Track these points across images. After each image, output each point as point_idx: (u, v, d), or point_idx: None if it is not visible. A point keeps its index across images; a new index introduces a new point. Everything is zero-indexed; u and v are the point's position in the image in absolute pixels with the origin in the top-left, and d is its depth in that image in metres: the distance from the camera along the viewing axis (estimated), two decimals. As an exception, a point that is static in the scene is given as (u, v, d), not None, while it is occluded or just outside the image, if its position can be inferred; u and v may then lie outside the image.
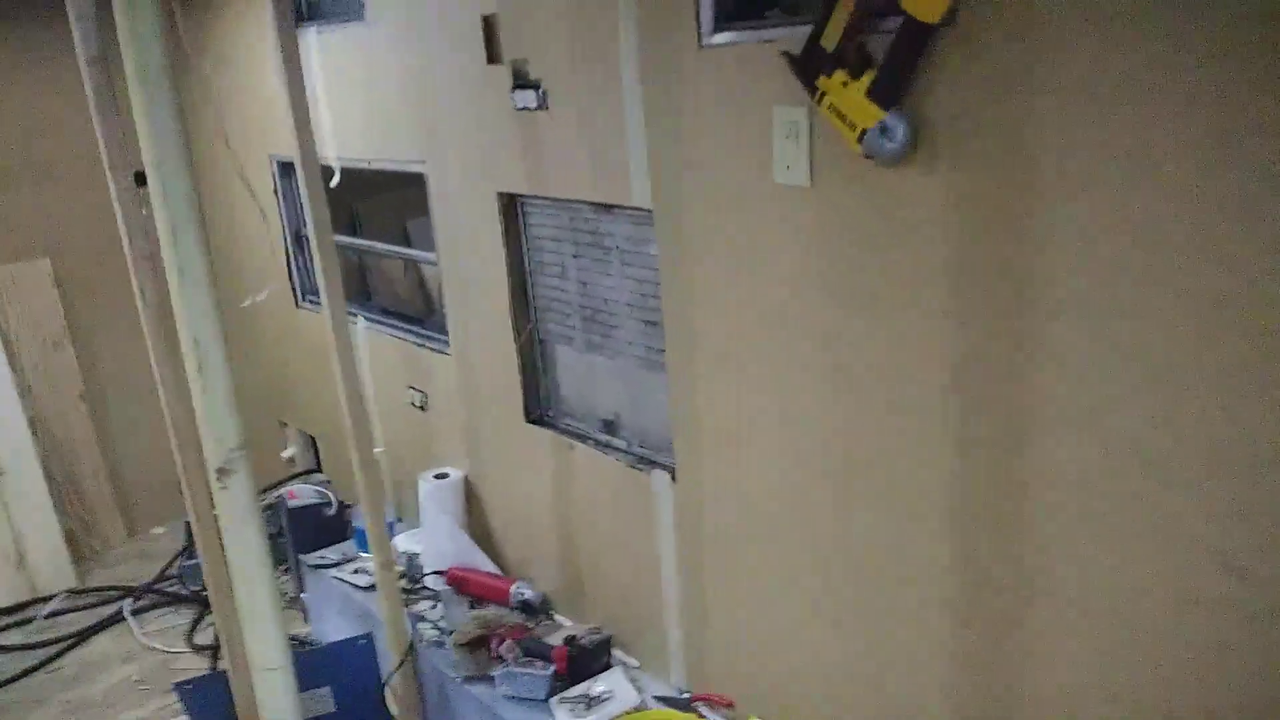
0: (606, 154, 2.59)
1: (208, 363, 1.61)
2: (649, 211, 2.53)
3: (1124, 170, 1.59)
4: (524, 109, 2.78)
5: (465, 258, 3.31)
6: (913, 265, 1.94)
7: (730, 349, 2.39)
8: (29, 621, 4.42)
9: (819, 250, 2.12)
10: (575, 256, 2.92)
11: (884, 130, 1.86)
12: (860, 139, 1.90)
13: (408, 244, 3.93)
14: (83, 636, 4.26)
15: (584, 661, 2.90)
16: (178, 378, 2.72)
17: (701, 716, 2.69)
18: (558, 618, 3.29)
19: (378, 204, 4.11)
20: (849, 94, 1.90)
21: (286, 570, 4.39)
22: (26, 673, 4.05)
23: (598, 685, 2.84)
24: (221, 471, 1.66)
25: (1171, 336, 1.59)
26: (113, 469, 5.06)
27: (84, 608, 4.50)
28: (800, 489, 2.32)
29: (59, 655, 4.16)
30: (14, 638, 4.31)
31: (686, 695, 2.82)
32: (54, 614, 4.46)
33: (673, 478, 2.68)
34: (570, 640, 2.94)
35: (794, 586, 2.42)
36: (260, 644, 1.77)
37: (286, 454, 5.09)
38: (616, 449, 2.95)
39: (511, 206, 3.06)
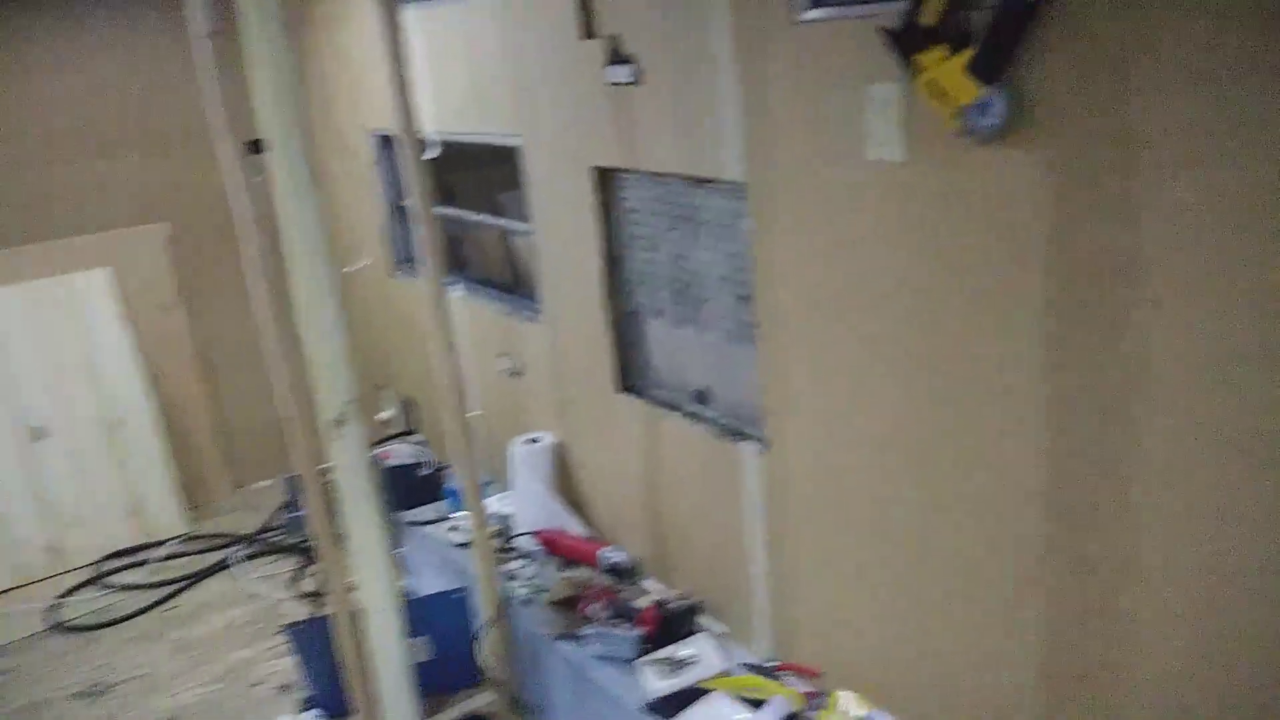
0: (699, 129, 2.62)
1: (324, 319, 1.73)
2: (742, 186, 2.56)
3: (1229, 151, 1.57)
4: (617, 84, 2.83)
5: (559, 230, 3.39)
6: (1007, 245, 1.95)
7: (820, 324, 2.42)
8: (144, 564, 4.71)
9: (911, 227, 2.13)
10: (668, 230, 2.97)
11: (982, 106, 1.86)
12: (957, 115, 1.91)
13: (500, 216, 4.03)
14: (194, 580, 4.53)
15: (671, 626, 2.98)
16: (286, 338, 2.87)
17: (788, 686, 2.74)
18: (645, 583, 3.37)
19: (472, 177, 4.22)
20: (947, 69, 1.91)
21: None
22: (142, 611, 4.33)
23: (684, 649, 2.92)
24: (336, 422, 1.79)
25: (1271, 321, 1.58)
26: (221, 426, 5.33)
27: (195, 553, 4.78)
28: (890, 466, 2.34)
29: (172, 596, 4.43)
30: (131, 578, 4.61)
31: (773, 664, 2.86)
32: (169, 557, 4.75)
33: (762, 449, 2.73)
34: (658, 604, 3.02)
35: (882, 562, 2.45)
36: (372, 586, 1.90)
37: (383, 416, 5.28)
38: (706, 420, 3.00)
39: (605, 180, 3.12)
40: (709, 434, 2.93)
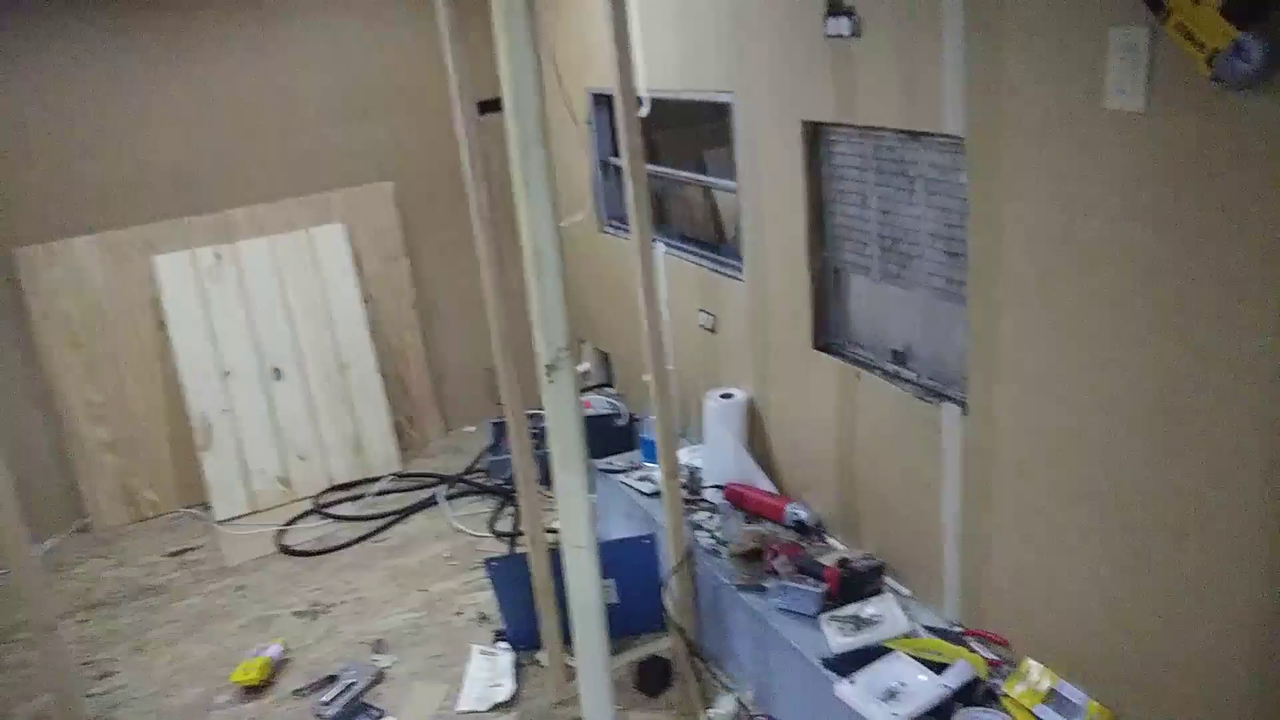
0: (919, 81, 2.55)
1: (545, 269, 1.80)
2: (959, 140, 2.48)
3: None
4: (835, 36, 2.79)
5: (765, 186, 3.38)
6: (1255, 201, 1.80)
7: (1039, 283, 2.32)
8: (361, 497, 5.09)
9: (1148, 180, 2.00)
10: (877, 185, 2.92)
11: (1238, 51, 1.72)
12: (1210, 61, 1.77)
13: (704, 173, 4.07)
14: (404, 514, 4.85)
15: (855, 584, 2.96)
16: (503, 288, 3.02)
17: (973, 651, 2.68)
18: (830, 540, 3.36)
19: (676, 135, 4.27)
20: (1200, 12, 1.77)
21: (577, 475, 4.75)
22: (358, 540, 4.67)
23: (868, 608, 2.90)
24: (550, 368, 1.86)
25: None
26: (434, 372, 5.67)
27: (406, 490, 5.12)
28: (1106, 433, 2.22)
29: (384, 528, 4.76)
30: (349, 510, 4.99)
31: (958, 629, 2.81)
32: (382, 493, 5.10)
33: (963, 411, 2.65)
34: (843, 562, 3.00)
35: (1090, 532, 2.33)
36: (572, 523, 1.98)
37: (581, 368, 5.47)
38: (904, 380, 2.94)
39: (815, 135, 3.09)
40: (907, 394, 2.87)
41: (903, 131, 2.73)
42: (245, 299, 5.09)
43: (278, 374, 5.13)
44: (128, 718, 3.59)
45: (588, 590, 2.04)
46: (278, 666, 3.73)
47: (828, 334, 3.28)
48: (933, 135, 2.62)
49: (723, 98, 3.52)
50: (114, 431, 5.04)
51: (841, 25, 2.76)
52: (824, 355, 3.25)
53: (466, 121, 2.83)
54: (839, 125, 2.98)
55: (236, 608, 4.24)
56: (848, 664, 2.71)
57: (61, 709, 2.94)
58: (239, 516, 5.02)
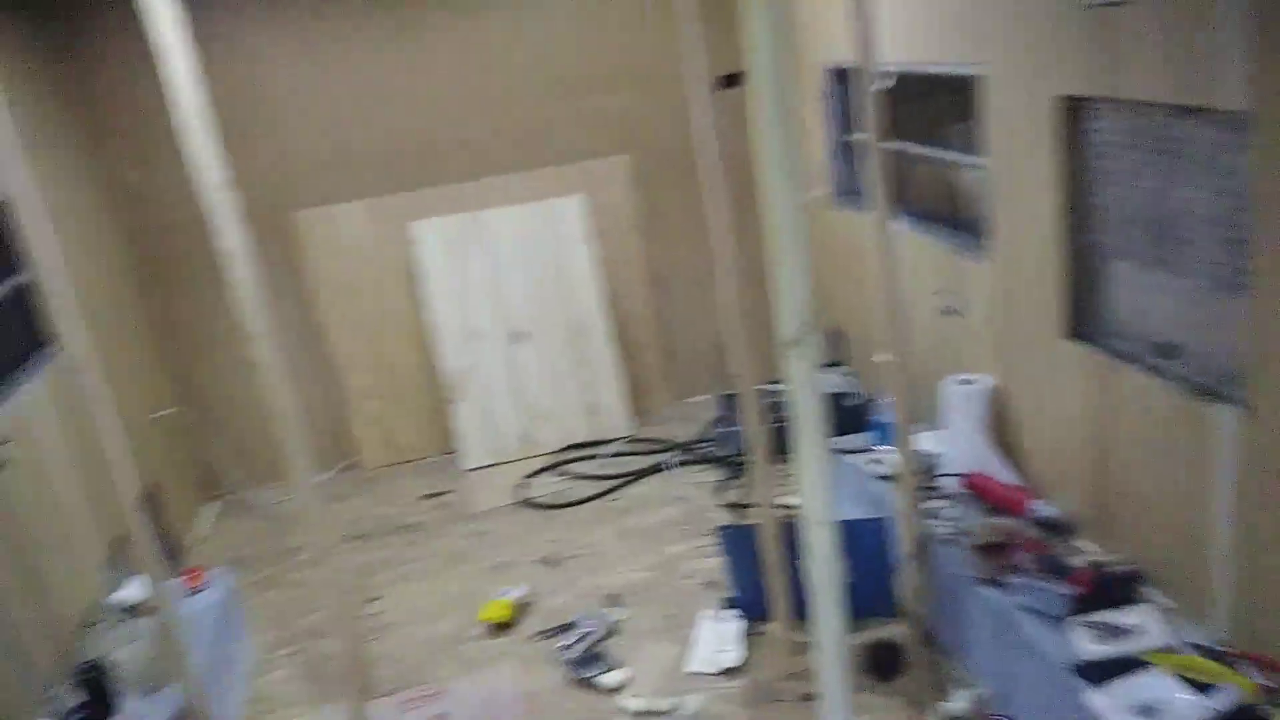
0: (1194, 52, 2.37)
1: (789, 244, 1.84)
2: (1243, 115, 2.29)
3: None
4: (1099, 5, 2.63)
5: (1017, 163, 3.25)
6: None
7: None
8: (594, 458, 5.33)
9: None
10: (1144, 164, 2.74)
11: None
12: None
13: (942, 149, 3.95)
14: (635, 477, 5.05)
15: (1110, 589, 2.83)
16: (739, 262, 3.07)
17: (1244, 676, 2.49)
18: (1077, 542, 3.22)
19: (916, 110, 4.16)
20: None
21: (806, 451, 4.76)
22: (593, 498, 4.91)
23: (1124, 616, 2.75)
24: (792, 342, 1.90)
25: None
26: (665, 342, 5.83)
27: (636, 454, 5.31)
28: None
29: (616, 489, 4.97)
30: (585, 469, 5.24)
31: (1226, 649, 2.61)
32: (615, 455, 5.32)
33: (1243, 412, 2.47)
34: (1096, 566, 2.87)
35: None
36: (814, 501, 2.01)
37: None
38: (1172, 375, 2.76)
39: (1074, 110, 2.93)
40: (1174, 391, 2.70)
41: (1175, 106, 2.54)
42: (492, 265, 5.42)
43: (521, 337, 5.44)
44: (392, 639, 3.97)
45: (828, 569, 2.07)
46: (521, 609, 4.01)
47: (1082, 322, 3.13)
48: (1210, 110, 2.42)
49: (972, 71, 3.39)
50: (377, 380, 5.53)
51: (1112, -6, 2.60)
52: (1078, 344, 3.10)
53: (703, 97, 2.88)
54: (1101, 100, 2.82)
55: (482, 551, 4.57)
56: (1099, 672, 2.60)
57: (337, 625, 3.31)
58: (484, 466, 5.39)
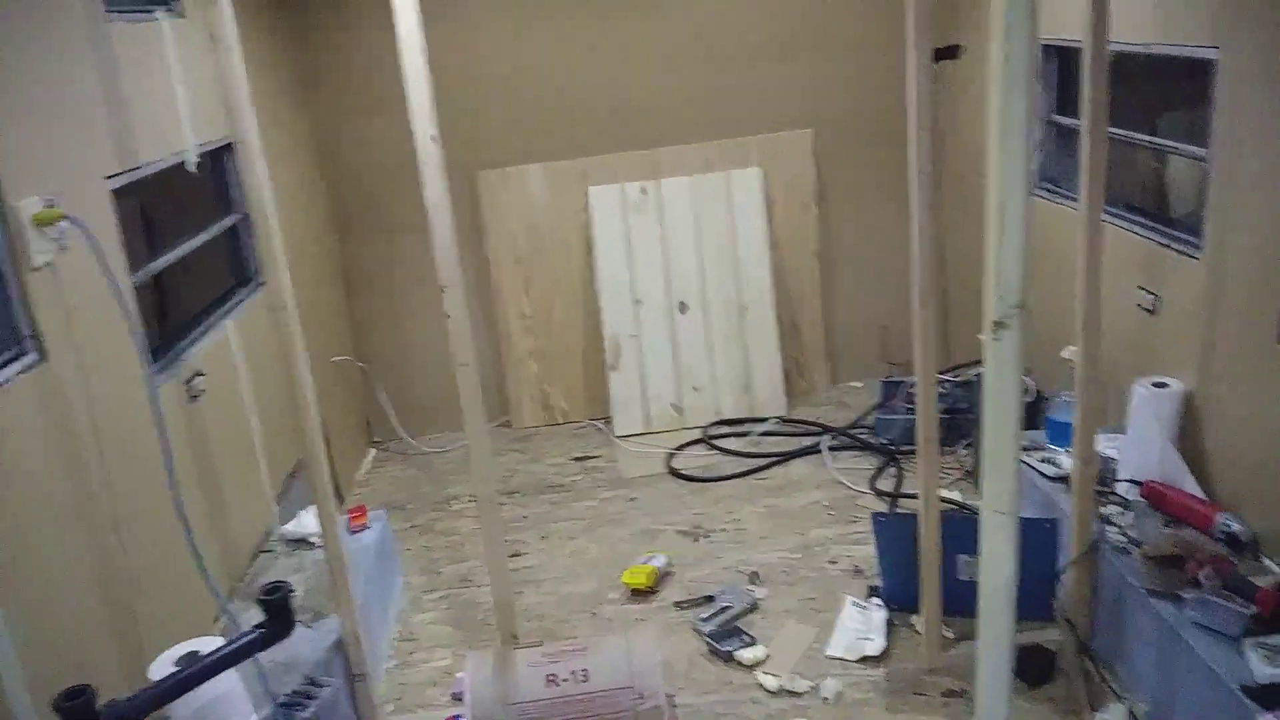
0: None
1: (1010, 223, 1.74)
2: None
3: None
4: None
5: (1247, 156, 2.99)
6: None
7: None
8: (746, 435, 5.28)
9: None
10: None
11: None
12: None
13: (1153, 135, 3.68)
14: (786, 457, 4.97)
15: (1295, 614, 2.61)
16: (933, 243, 2.95)
17: None
18: (1266, 561, 2.97)
19: (1124, 93, 3.89)
20: None
21: (968, 445, 4.59)
22: (741, 475, 4.87)
23: (1310, 643, 2.54)
24: (998, 325, 1.80)
25: None
26: (828, 323, 5.71)
27: (789, 435, 5.24)
28: None
29: (766, 467, 4.91)
30: (734, 445, 5.20)
31: None
32: (766, 434, 5.26)
33: None
34: (1284, 587, 2.65)
35: None
36: (997, 487, 1.92)
37: (983, 336, 5.23)
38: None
39: (1319, 99, 2.68)
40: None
41: None
42: (663, 234, 5.42)
43: (683, 307, 5.43)
44: (534, 594, 4.06)
45: (1003, 559, 1.98)
46: (662, 577, 4.02)
47: (1301, 329, 2.86)
48: None
49: (1204, 53, 3.14)
50: (539, 342, 5.64)
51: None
52: (1294, 353, 2.84)
53: (919, 69, 2.77)
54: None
55: (627, 517, 4.61)
56: (1274, 697, 2.41)
57: (490, 574, 3.40)
58: (635, 434, 5.43)
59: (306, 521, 3.73)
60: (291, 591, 2.44)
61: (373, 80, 5.12)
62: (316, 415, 3.00)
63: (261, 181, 2.78)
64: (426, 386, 5.55)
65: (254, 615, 3.05)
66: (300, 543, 3.75)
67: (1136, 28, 3.47)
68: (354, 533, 3.90)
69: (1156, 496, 3.24)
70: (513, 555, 4.35)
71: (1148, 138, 3.71)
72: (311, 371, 3.00)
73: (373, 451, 5.66)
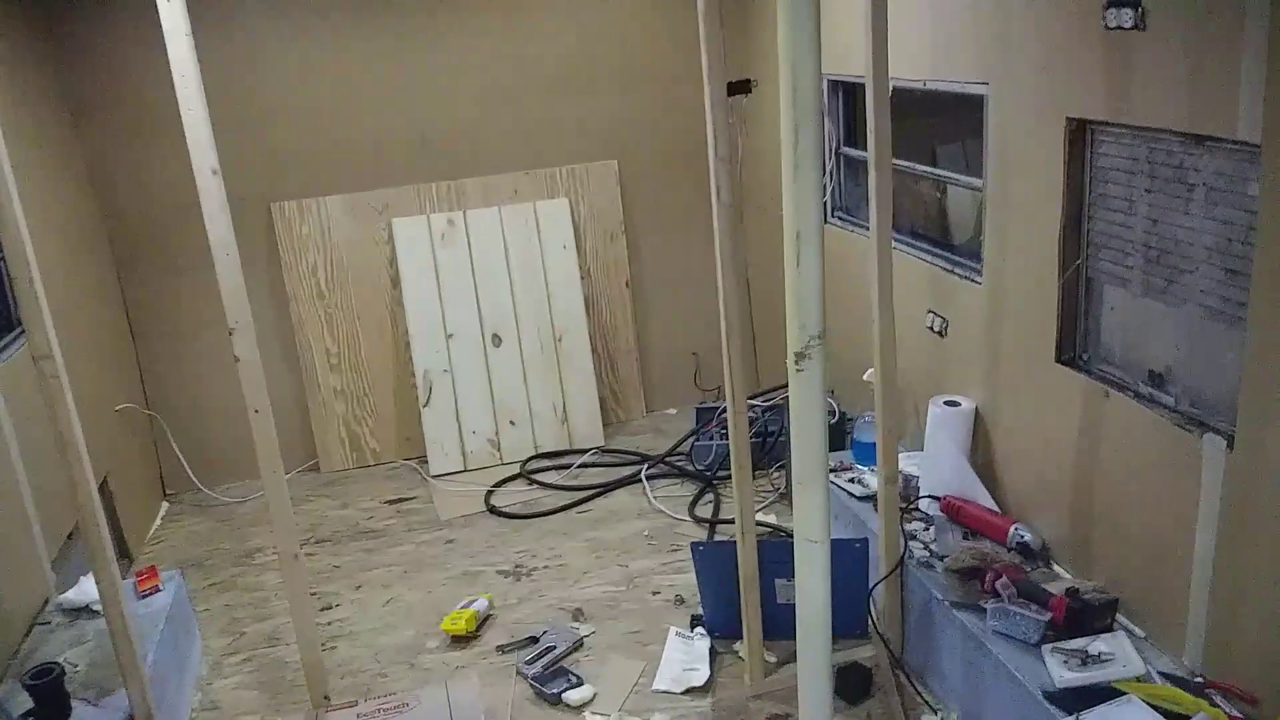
0: (1209, 81, 2.34)
1: (805, 254, 1.77)
2: (1255, 147, 2.26)
3: None
4: (1116, 28, 2.60)
5: (1016, 185, 3.21)
6: None
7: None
8: (566, 468, 5.23)
9: None
10: (1148, 191, 2.71)
11: None
12: None
13: (933, 167, 3.92)
14: (606, 489, 4.95)
15: (1084, 617, 2.78)
16: (737, 272, 3.00)
17: (1215, 705, 2.46)
18: (1056, 568, 3.18)
19: (906, 126, 4.12)
20: None
21: (780, 468, 4.71)
22: (562, 509, 4.81)
23: (1098, 644, 2.71)
24: (800, 355, 1.82)
25: None
26: (642, 351, 5.75)
27: (607, 465, 5.22)
28: None
29: (586, 500, 4.88)
30: (553, 479, 5.13)
31: (1199, 679, 2.59)
32: (585, 465, 5.23)
33: (1229, 445, 2.43)
34: (1073, 592, 2.82)
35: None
36: (808, 516, 1.94)
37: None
38: (1161, 404, 2.73)
39: (1080, 133, 2.90)
40: (1163, 420, 2.66)
41: (1185, 135, 2.52)
42: (472, 265, 5.32)
43: (497, 340, 5.34)
44: (348, 649, 3.84)
45: (817, 586, 2.00)
46: (483, 620, 3.89)
47: (1074, 347, 3.09)
48: (1221, 141, 2.40)
49: (975, 89, 3.36)
50: (346, 380, 5.39)
51: (1124, 17, 2.57)
52: (1066, 370, 3.06)
53: (714, 103, 2.82)
54: (1110, 124, 2.79)
55: (446, 559, 4.45)
56: (1073, 700, 2.55)
57: (296, 632, 3.18)
58: (452, 473, 5.27)
59: (88, 588, 3.38)
60: (63, 673, 2.19)
61: (150, 106, 4.76)
62: (89, 472, 2.72)
63: (16, 218, 2.51)
64: (223, 433, 5.20)
65: (24, 700, 2.74)
66: (83, 611, 3.41)
67: (915, 65, 3.68)
68: (144, 596, 3.58)
69: (954, 511, 3.41)
70: (324, 608, 4.11)
71: (930, 169, 3.94)
72: (92, 422, 2.73)
73: (165, 505, 5.24)
